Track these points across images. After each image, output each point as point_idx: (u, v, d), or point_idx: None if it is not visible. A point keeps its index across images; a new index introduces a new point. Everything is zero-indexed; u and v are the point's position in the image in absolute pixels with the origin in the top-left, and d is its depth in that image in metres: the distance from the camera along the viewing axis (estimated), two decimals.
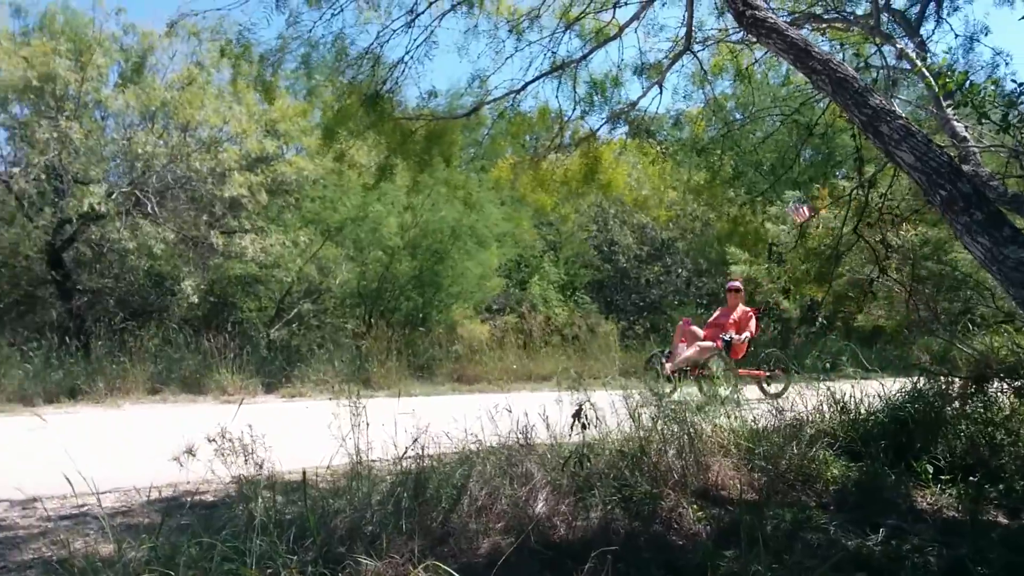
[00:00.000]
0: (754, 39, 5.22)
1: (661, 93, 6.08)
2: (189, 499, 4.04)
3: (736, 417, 3.89)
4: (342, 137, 5.57)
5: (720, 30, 6.40)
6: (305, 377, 9.42)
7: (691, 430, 3.60)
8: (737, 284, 9.52)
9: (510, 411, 4.04)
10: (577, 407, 3.48)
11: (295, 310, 11.62)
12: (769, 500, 3.23)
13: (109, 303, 10.83)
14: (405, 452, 3.69)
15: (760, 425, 3.98)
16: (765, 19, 4.03)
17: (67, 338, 9.24)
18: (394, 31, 5.00)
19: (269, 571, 2.74)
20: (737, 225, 7.46)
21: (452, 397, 8.76)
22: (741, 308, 9.12)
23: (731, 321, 8.97)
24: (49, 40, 9.74)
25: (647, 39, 6.18)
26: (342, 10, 5.09)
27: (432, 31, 5.19)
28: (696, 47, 6.21)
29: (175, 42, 10.53)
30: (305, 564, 2.81)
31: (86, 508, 4.05)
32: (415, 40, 5.01)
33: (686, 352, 8.57)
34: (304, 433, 6.41)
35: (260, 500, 3.29)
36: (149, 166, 9.89)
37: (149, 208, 9.94)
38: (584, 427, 3.44)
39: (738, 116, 10.12)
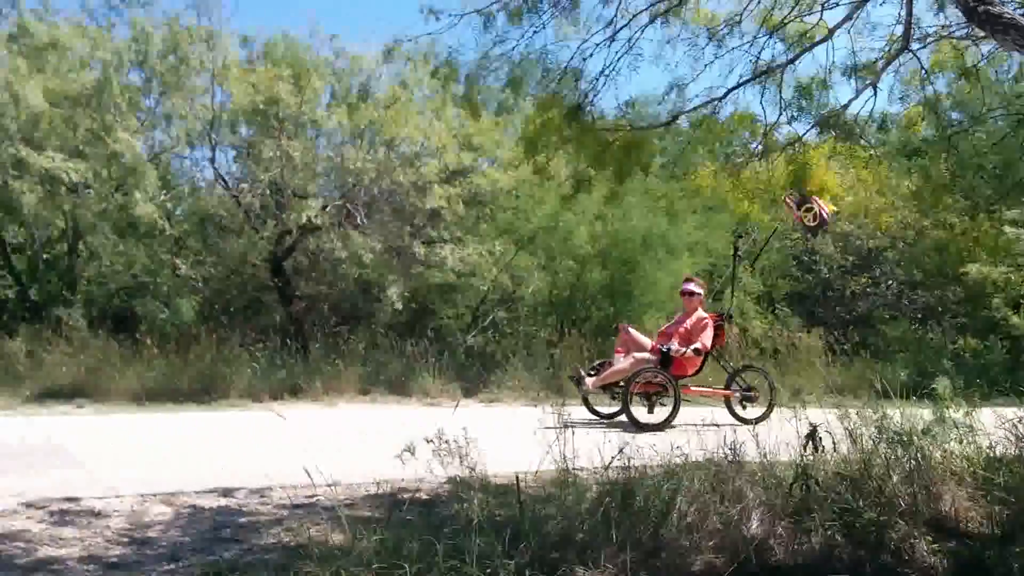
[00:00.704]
0: (984, 34, 4.83)
1: (875, 95, 5.73)
2: (406, 496, 4.27)
3: (970, 443, 3.59)
4: (543, 149, 5.71)
5: (941, 26, 5.97)
6: (501, 383, 9.72)
7: (918, 455, 3.36)
8: (691, 287, 8.16)
9: (717, 426, 3.98)
10: (811, 428, 3.35)
11: (490, 317, 12.02)
12: (1015, 536, 2.96)
13: (323, 308, 11.70)
14: (611, 462, 3.72)
15: (997, 452, 3.66)
16: (1001, 15, 3.73)
17: (287, 340, 10.09)
18: (597, 45, 5.07)
19: (488, 571, 2.85)
20: (965, 232, 6.86)
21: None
22: (697, 315, 7.93)
23: (683, 329, 7.85)
24: (272, 67, 10.69)
25: (859, 39, 5.84)
26: (544, 27, 5.22)
27: (633, 44, 5.20)
28: (914, 45, 5.81)
29: (382, 64, 11.22)
30: (522, 567, 2.89)
31: (315, 499, 4.39)
32: (617, 53, 5.05)
33: (617, 365, 7.58)
34: (505, 437, 6.65)
35: (475, 501, 3.43)
36: (359, 181, 10.58)
37: (358, 220, 10.64)
38: (817, 449, 3.31)
39: (955, 116, 9.40)
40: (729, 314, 8.50)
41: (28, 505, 4.06)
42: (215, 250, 11.97)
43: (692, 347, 7.62)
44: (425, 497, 4.33)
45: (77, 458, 5.43)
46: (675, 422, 7.24)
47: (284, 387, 9.18)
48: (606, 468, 3.70)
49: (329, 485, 4.61)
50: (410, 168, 10.71)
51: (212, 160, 11.22)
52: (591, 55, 5.10)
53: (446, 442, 3.77)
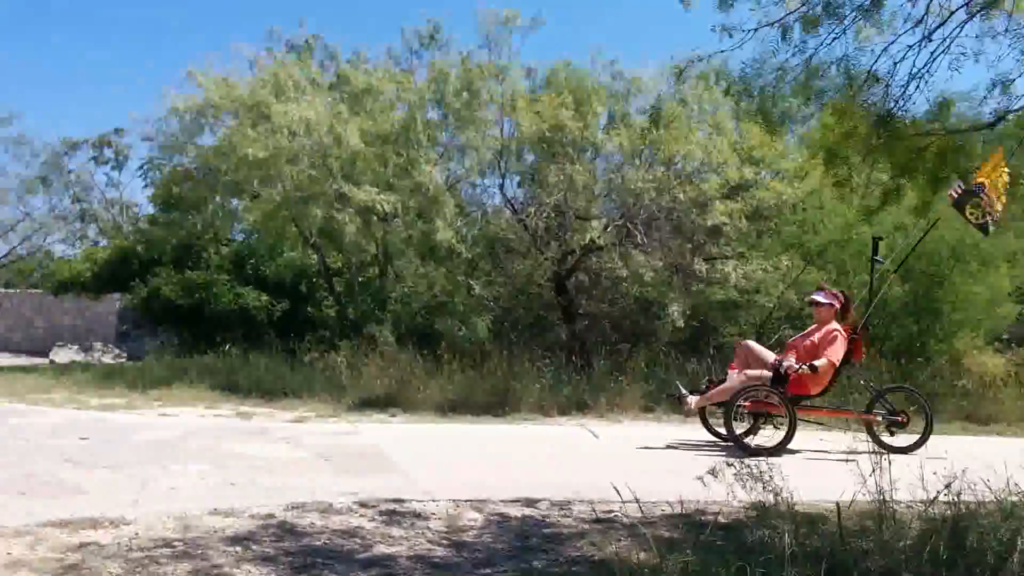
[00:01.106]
0: None
1: None
2: (704, 518, 4.21)
3: None
4: (843, 160, 5.39)
5: None
6: None
7: None
8: (818, 296, 7.28)
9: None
10: None
11: (776, 336, 11.51)
12: None
13: (605, 326, 11.93)
14: (936, 497, 3.41)
15: None
16: None
17: (572, 357, 10.41)
18: (909, 47, 4.70)
19: None
20: None
21: (962, 438, 7.85)
22: (829, 327, 7.03)
23: (808, 343, 7.04)
24: (555, 95, 11.16)
25: None
26: (844, 32, 4.94)
27: (951, 41, 4.75)
28: None
29: (659, 82, 11.29)
30: None
31: (613, 514, 4.48)
32: (932, 53, 4.64)
33: (727, 383, 6.91)
34: (804, 463, 6.33)
35: (785, 529, 3.30)
36: (638, 200, 10.69)
37: (639, 239, 10.73)
38: None
39: None
40: (865, 326, 7.50)
41: (361, 504, 4.55)
42: (504, 271, 12.70)
43: (812, 363, 6.82)
44: (724, 521, 4.23)
45: (396, 463, 6.00)
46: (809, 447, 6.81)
47: (570, 403, 9.45)
48: (930, 503, 3.39)
49: (627, 502, 4.71)
50: (690, 185, 10.62)
51: (501, 187, 11.93)
52: (902, 57, 4.74)
53: (748, 466, 3.67)
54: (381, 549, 3.71)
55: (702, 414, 7.27)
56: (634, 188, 10.55)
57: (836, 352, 6.91)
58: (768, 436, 6.92)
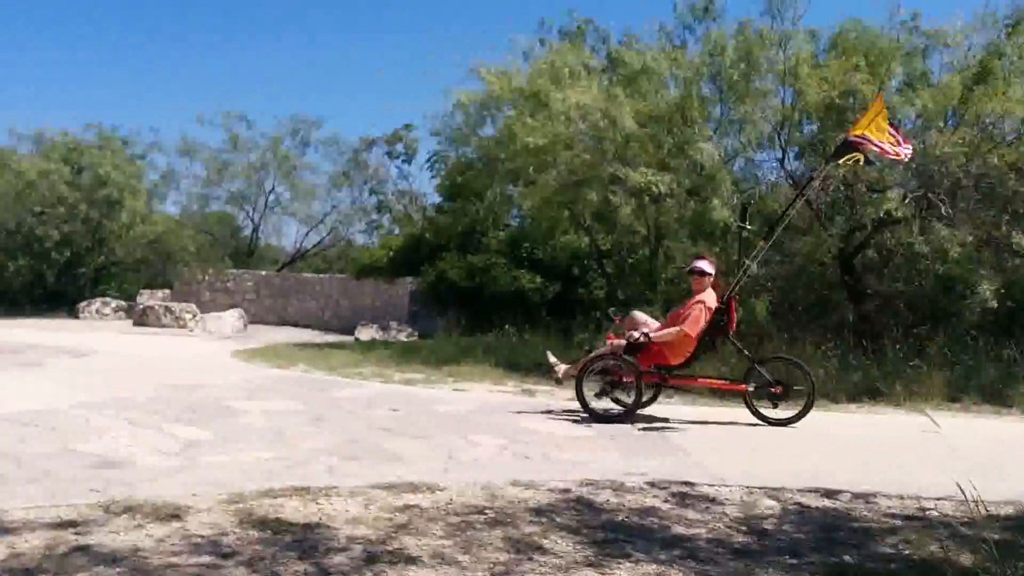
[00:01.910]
0: None
1: None
2: None
3: None
4: None
5: None
6: None
7: None
8: (699, 265, 7.17)
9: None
10: None
11: None
12: None
13: (899, 306, 10.94)
14: None
15: None
16: None
17: (861, 340, 9.68)
18: None
19: None
20: None
21: None
22: (696, 298, 7.02)
23: (676, 313, 7.16)
24: (844, 58, 10.35)
25: None
26: None
27: None
28: None
29: (969, 35, 10.07)
30: None
31: (928, 512, 4.11)
32: None
33: (594, 352, 7.20)
34: None
35: None
36: (942, 167, 9.64)
37: (942, 210, 9.69)
38: None
39: None
40: (732, 296, 7.10)
41: (652, 484, 4.57)
42: (782, 249, 12.08)
43: (646, 332, 6.89)
44: None
45: (679, 445, 5.96)
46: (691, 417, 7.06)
47: (859, 389, 8.81)
48: None
49: (940, 499, 4.30)
50: (1007, 148, 9.37)
51: (781, 160, 11.34)
52: None
53: None
54: (679, 530, 3.69)
55: (577, 384, 6.96)
56: (938, 154, 9.52)
57: (691, 323, 6.86)
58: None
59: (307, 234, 27.62)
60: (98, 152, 22.14)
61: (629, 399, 6.96)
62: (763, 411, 7.02)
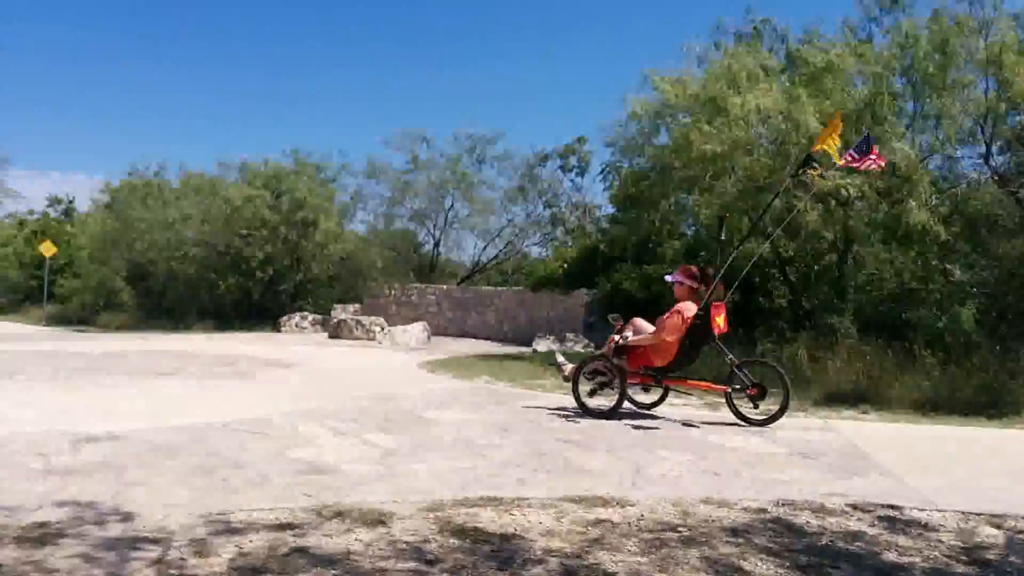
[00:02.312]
0: None
1: None
2: None
3: None
4: None
5: None
6: None
7: None
8: (667, 278, 8.09)
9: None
10: None
11: None
12: None
13: None
14: None
15: None
16: None
17: None
18: None
19: None
20: None
21: None
22: (678, 305, 7.55)
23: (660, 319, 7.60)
24: None
25: None
26: None
27: None
28: None
29: None
30: None
31: None
32: None
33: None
34: None
35: None
36: None
37: None
38: None
39: None
40: (710, 301, 7.50)
41: (854, 507, 4.33)
42: (988, 252, 11.11)
43: (625, 335, 7.64)
44: None
45: (880, 464, 5.60)
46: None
47: None
48: None
49: None
50: None
51: (985, 156, 10.45)
52: None
53: None
54: (890, 557, 3.48)
55: (573, 382, 7.78)
56: None
57: (666, 328, 7.42)
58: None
59: (484, 248, 28.48)
60: (295, 177, 23.95)
61: (612, 398, 7.55)
62: (746, 412, 7.44)
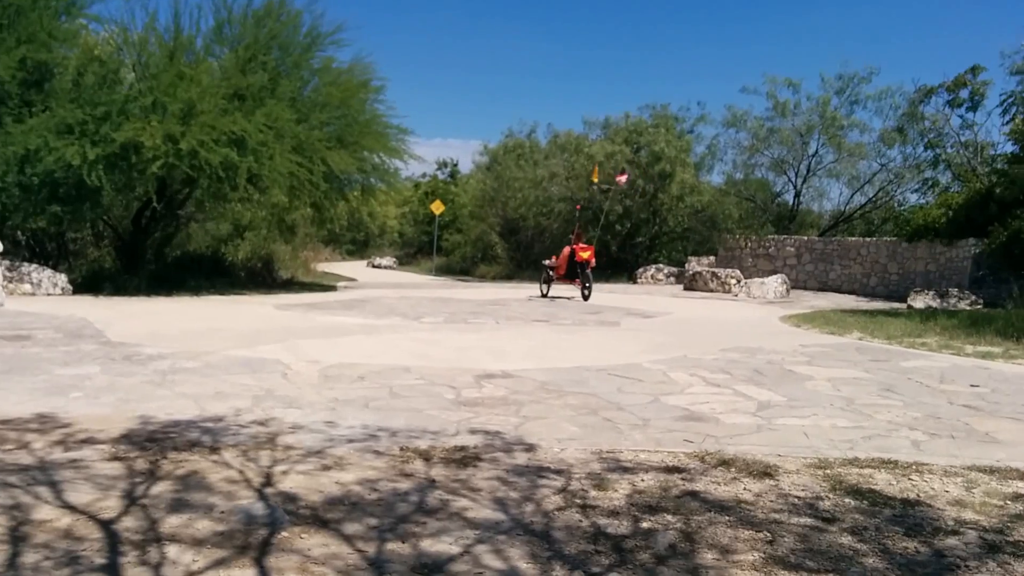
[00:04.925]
0: None
1: None
2: None
3: None
4: None
5: None
6: None
7: None
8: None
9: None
10: None
11: None
12: None
13: None
14: None
15: None
16: None
17: None
18: None
19: None
20: None
21: None
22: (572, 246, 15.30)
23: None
24: None
25: None
26: None
27: None
28: None
29: None
30: None
31: None
32: None
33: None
34: None
35: None
36: None
37: None
38: None
39: None
40: (571, 246, 15.08)
41: None
42: None
43: (551, 261, 16.10)
44: None
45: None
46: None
47: None
48: None
49: None
50: None
51: None
52: None
53: None
54: None
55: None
56: None
57: (560, 258, 15.51)
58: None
59: (852, 197, 26.43)
60: (653, 130, 24.19)
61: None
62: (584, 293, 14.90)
